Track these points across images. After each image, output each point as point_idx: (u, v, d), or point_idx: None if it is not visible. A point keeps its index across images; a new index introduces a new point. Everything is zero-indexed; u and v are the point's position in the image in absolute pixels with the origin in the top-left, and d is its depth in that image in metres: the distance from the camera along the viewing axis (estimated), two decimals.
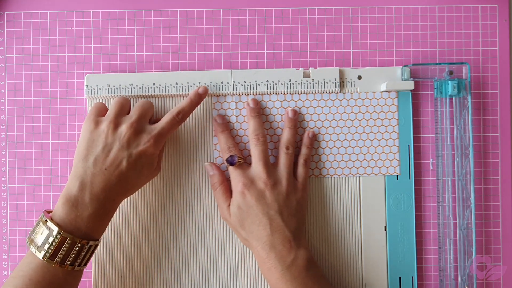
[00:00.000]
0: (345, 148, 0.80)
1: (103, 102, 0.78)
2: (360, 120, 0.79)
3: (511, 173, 0.81)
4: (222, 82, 0.78)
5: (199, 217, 0.80)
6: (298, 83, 0.78)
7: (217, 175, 0.78)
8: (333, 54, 0.81)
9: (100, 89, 0.78)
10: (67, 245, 0.67)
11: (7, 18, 0.81)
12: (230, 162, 0.75)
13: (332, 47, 0.81)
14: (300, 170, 0.78)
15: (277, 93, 0.79)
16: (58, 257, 0.67)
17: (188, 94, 0.78)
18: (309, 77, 0.79)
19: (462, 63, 0.78)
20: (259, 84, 0.78)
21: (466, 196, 0.78)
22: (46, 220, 0.68)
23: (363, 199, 0.79)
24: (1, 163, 0.81)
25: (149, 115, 0.75)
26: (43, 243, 0.67)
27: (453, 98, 0.79)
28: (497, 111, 0.81)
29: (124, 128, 0.71)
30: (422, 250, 0.81)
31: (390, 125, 0.79)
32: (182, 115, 0.76)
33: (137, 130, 0.72)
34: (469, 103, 0.78)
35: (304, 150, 0.79)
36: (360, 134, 0.79)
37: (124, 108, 0.74)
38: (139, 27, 0.81)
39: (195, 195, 0.80)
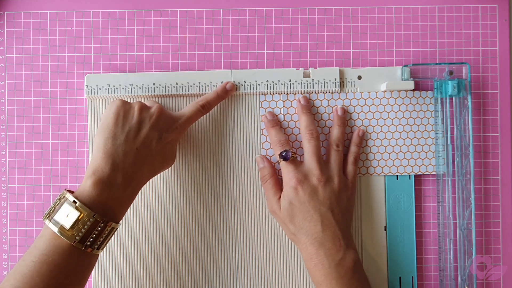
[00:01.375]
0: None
1: (103, 102, 0.78)
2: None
3: (511, 173, 0.81)
4: (222, 82, 0.78)
5: (185, 220, 0.80)
6: (298, 83, 0.79)
7: (267, 167, 0.79)
8: (333, 54, 0.81)
9: (100, 89, 0.78)
10: (99, 228, 0.65)
11: (7, 18, 0.81)
12: (284, 157, 0.75)
13: (332, 47, 0.81)
14: (350, 168, 0.78)
15: (278, 93, 0.79)
16: (89, 241, 0.65)
17: (188, 94, 0.78)
18: (309, 77, 0.79)
19: (462, 63, 0.78)
20: (259, 84, 0.78)
21: (466, 196, 0.78)
22: (74, 201, 0.64)
23: (363, 199, 0.79)
24: (1, 163, 0.81)
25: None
26: (72, 226, 0.64)
27: (453, 98, 0.79)
28: (497, 111, 0.81)
29: (154, 109, 0.72)
30: (422, 250, 0.81)
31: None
32: (208, 108, 0.77)
33: (165, 114, 0.73)
34: (469, 103, 0.78)
35: (353, 148, 0.79)
36: (399, 131, 0.79)
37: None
38: (139, 27, 0.81)
39: (181, 197, 0.80)
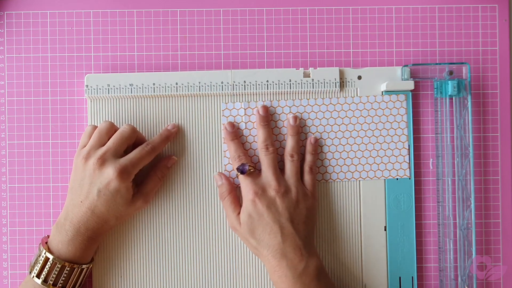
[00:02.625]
0: (347, 152, 0.80)
1: (103, 102, 0.78)
2: (362, 121, 0.79)
3: (511, 173, 0.81)
4: (222, 82, 0.78)
5: (205, 224, 0.80)
6: (298, 83, 0.78)
7: (225, 184, 0.79)
8: (333, 54, 0.81)
9: (100, 89, 0.78)
10: (49, 265, 0.72)
11: (7, 18, 0.81)
12: (241, 170, 0.75)
13: (332, 47, 0.81)
14: (307, 177, 0.78)
15: (278, 93, 0.79)
16: (43, 275, 0.73)
17: (188, 94, 0.78)
18: (309, 77, 0.79)
19: (462, 63, 0.78)
20: (259, 84, 0.78)
21: (466, 196, 0.78)
22: (40, 243, 0.75)
23: (363, 199, 0.79)
24: (1, 163, 0.81)
25: (126, 143, 0.76)
26: (35, 263, 0.73)
27: (453, 98, 0.79)
28: (497, 111, 0.81)
29: (91, 163, 0.73)
30: (422, 250, 0.81)
31: (392, 128, 0.79)
32: (151, 146, 0.76)
33: (104, 163, 0.73)
34: (469, 103, 0.78)
35: (308, 157, 0.79)
36: (361, 137, 0.79)
37: (101, 138, 0.75)
38: (139, 27, 0.81)
39: (202, 203, 0.80)
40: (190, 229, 0.80)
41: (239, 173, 0.76)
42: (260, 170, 0.78)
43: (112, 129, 0.76)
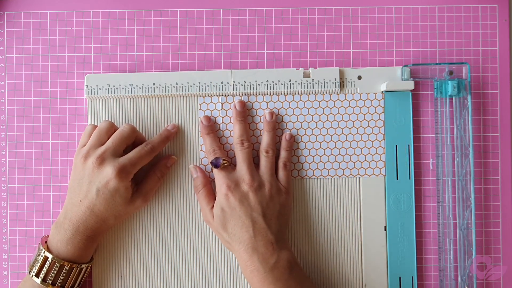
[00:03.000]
0: (346, 149, 0.80)
1: (103, 102, 0.78)
2: (339, 119, 0.79)
3: (511, 173, 0.81)
4: (222, 82, 0.78)
5: (204, 223, 0.80)
6: (298, 83, 0.78)
7: (200, 177, 0.79)
8: (333, 54, 0.81)
9: (100, 89, 0.78)
10: (48, 264, 0.72)
11: (7, 18, 0.81)
12: (215, 164, 0.76)
13: (332, 47, 0.81)
14: (281, 173, 0.79)
15: (278, 93, 0.79)
16: (42, 275, 0.72)
17: (188, 94, 0.78)
18: (309, 77, 0.79)
19: (462, 63, 0.78)
20: (259, 84, 0.78)
21: (466, 196, 0.78)
22: (40, 242, 0.75)
23: (363, 199, 0.79)
24: (1, 163, 0.81)
25: (126, 143, 0.76)
26: (34, 262, 0.73)
27: (453, 98, 0.79)
28: (497, 111, 0.81)
29: (90, 162, 0.73)
30: (422, 250, 0.81)
31: (369, 126, 0.80)
32: (151, 146, 0.76)
33: (103, 162, 0.73)
34: (469, 103, 0.78)
35: (283, 153, 0.79)
36: (361, 135, 0.79)
37: (101, 138, 0.75)
38: (139, 27, 0.81)
39: (181, 197, 0.80)
40: (190, 228, 0.80)
41: (212, 167, 0.76)
42: (235, 165, 0.78)
43: (112, 128, 0.76)
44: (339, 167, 0.80)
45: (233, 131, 0.80)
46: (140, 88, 0.78)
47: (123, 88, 0.78)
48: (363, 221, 0.79)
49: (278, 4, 0.81)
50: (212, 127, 0.79)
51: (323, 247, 0.80)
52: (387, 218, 0.79)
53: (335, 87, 0.79)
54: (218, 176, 0.76)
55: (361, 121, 0.79)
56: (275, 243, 0.73)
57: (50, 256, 0.72)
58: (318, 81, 0.78)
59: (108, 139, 0.75)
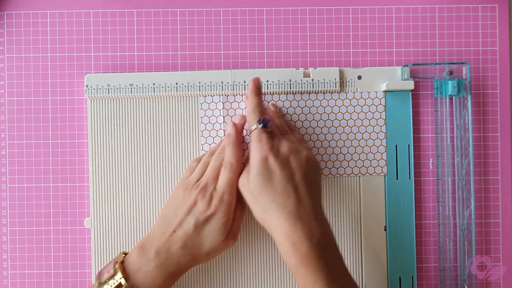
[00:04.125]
0: (347, 147, 0.80)
1: (103, 102, 0.79)
2: (362, 120, 0.79)
3: (511, 173, 0.81)
4: (222, 82, 0.78)
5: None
6: (298, 83, 0.78)
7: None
8: (333, 54, 0.81)
9: (100, 89, 0.78)
10: None
11: (7, 18, 0.81)
12: (265, 123, 0.70)
13: (332, 47, 0.81)
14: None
15: (278, 93, 0.79)
16: None
17: (188, 94, 0.78)
18: (309, 77, 0.79)
19: (462, 63, 0.78)
20: None
21: (466, 196, 0.78)
22: (116, 261, 0.70)
23: (363, 199, 0.79)
24: (1, 163, 0.81)
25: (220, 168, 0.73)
26: (105, 282, 0.68)
27: (453, 98, 0.79)
28: (497, 111, 0.81)
29: (194, 193, 0.70)
30: (422, 250, 0.81)
31: (370, 125, 0.80)
32: (229, 164, 0.72)
33: (205, 194, 0.70)
34: (469, 103, 0.78)
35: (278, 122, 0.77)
36: (362, 133, 0.79)
37: (199, 171, 0.74)
38: (139, 27, 0.81)
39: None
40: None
41: (260, 126, 0.70)
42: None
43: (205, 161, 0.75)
44: (341, 166, 0.80)
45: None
46: (140, 88, 0.78)
47: (123, 88, 0.78)
48: (363, 221, 0.79)
49: (278, 4, 0.81)
50: (260, 90, 0.76)
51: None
52: (387, 218, 0.79)
53: (335, 87, 0.79)
54: (261, 136, 0.69)
55: (362, 120, 0.79)
56: (319, 213, 0.67)
57: (125, 284, 0.67)
58: (318, 81, 0.78)
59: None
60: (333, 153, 0.80)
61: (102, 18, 0.81)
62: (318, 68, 0.79)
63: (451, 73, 0.78)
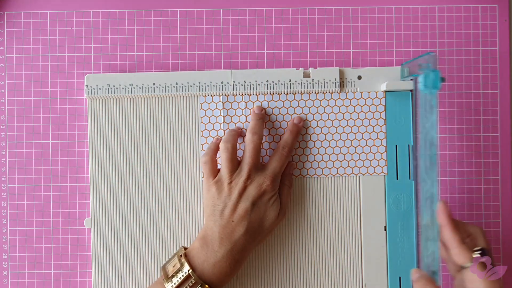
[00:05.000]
0: (347, 147, 0.80)
1: (103, 102, 0.78)
2: (362, 120, 0.79)
3: (511, 173, 0.81)
4: (222, 82, 0.78)
5: (187, 214, 0.80)
6: (298, 83, 0.78)
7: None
8: (333, 54, 0.81)
9: (100, 89, 0.78)
10: (190, 284, 0.69)
11: (7, 18, 0.81)
12: (483, 252, 0.66)
13: (332, 47, 0.81)
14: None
15: (278, 93, 0.79)
16: None
17: (188, 94, 0.78)
18: (309, 77, 0.79)
19: (428, 53, 0.74)
20: (259, 84, 0.78)
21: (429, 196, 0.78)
22: (181, 255, 0.72)
23: (363, 199, 0.79)
24: (1, 163, 0.81)
25: (259, 153, 0.76)
26: (173, 276, 0.70)
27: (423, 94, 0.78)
28: (497, 111, 0.81)
29: (240, 183, 0.73)
30: None
31: (370, 125, 0.80)
32: (288, 148, 0.76)
33: (253, 178, 0.73)
34: (434, 99, 0.77)
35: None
36: (362, 133, 0.79)
37: (233, 162, 0.75)
38: (139, 27, 0.81)
39: (183, 194, 0.80)
40: (178, 223, 0.80)
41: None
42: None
43: (230, 144, 0.76)
44: (341, 166, 0.80)
45: (239, 124, 0.79)
46: (140, 88, 0.78)
47: (123, 88, 0.78)
48: (363, 221, 0.79)
49: (278, 4, 0.81)
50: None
51: (322, 247, 0.80)
52: (387, 218, 0.79)
53: (335, 87, 0.79)
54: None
55: (362, 120, 0.79)
56: None
57: (194, 276, 0.69)
58: (318, 81, 0.78)
59: (234, 156, 0.75)
60: (333, 153, 0.80)
61: (102, 18, 0.81)
62: (318, 68, 0.79)
63: (420, 67, 0.77)
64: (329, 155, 0.80)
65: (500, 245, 0.81)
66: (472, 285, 0.65)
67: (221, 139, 0.77)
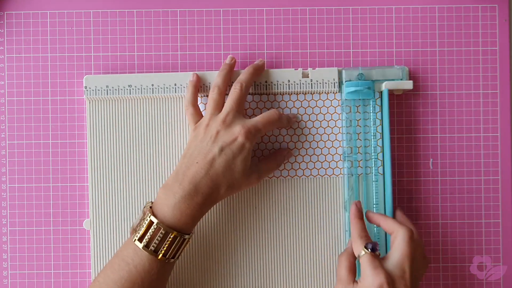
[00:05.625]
0: (345, 148, 0.80)
1: (102, 103, 0.78)
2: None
3: (511, 173, 0.81)
4: None
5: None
6: (297, 84, 0.78)
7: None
8: (333, 54, 0.81)
9: (98, 90, 0.78)
10: (153, 230, 0.69)
11: (7, 18, 0.81)
12: (373, 248, 0.68)
13: (332, 47, 0.81)
14: None
15: (276, 93, 0.79)
16: (145, 241, 0.69)
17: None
18: (308, 77, 0.79)
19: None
20: (257, 85, 0.78)
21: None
22: (145, 206, 0.73)
23: (361, 198, 0.79)
24: (1, 163, 0.81)
25: (243, 101, 0.75)
26: (137, 227, 0.71)
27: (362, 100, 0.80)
28: (497, 111, 0.81)
29: (214, 126, 0.72)
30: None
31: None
32: (279, 112, 0.76)
33: (230, 123, 0.73)
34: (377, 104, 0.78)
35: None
36: (358, 134, 0.79)
37: (216, 103, 0.75)
38: (139, 27, 0.81)
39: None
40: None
41: (368, 251, 0.68)
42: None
43: (223, 93, 0.76)
44: (336, 166, 0.80)
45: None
46: (139, 89, 0.78)
47: (121, 89, 0.78)
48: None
49: (278, 4, 0.81)
50: (361, 212, 0.76)
51: (321, 245, 0.80)
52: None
53: (334, 87, 0.78)
54: (375, 264, 0.67)
55: (358, 121, 0.79)
56: None
57: (155, 221, 0.69)
58: (317, 81, 0.78)
59: (220, 98, 0.75)
60: (333, 153, 0.80)
61: (102, 18, 0.81)
62: (317, 68, 0.79)
63: (361, 76, 0.78)
64: (328, 155, 0.80)
65: (500, 245, 0.81)
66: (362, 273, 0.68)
67: (197, 78, 0.78)
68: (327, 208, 0.80)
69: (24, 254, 0.81)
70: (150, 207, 0.71)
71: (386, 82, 0.78)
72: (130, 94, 0.78)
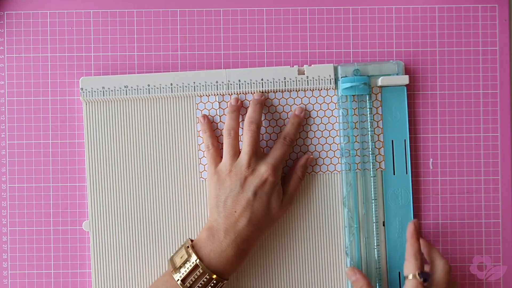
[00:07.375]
0: (344, 144, 0.79)
1: (99, 104, 0.79)
2: (358, 116, 0.79)
3: (511, 173, 0.81)
4: (217, 82, 0.78)
5: (184, 215, 0.81)
6: (293, 81, 0.78)
7: (360, 279, 0.76)
8: (333, 55, 0.81)
9: (95, 91, 0.78)
10: (198, 274, 0.71)
11: (7, 18, 0.81)
12: (425, 277, 0.71)
13: (332, 47, 0.81)
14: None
15: (272, 91, 0.79)
16: (188, 283, 0.71)
17: (183, 95, 0.79)
18: (304, 74, 0.79)
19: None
20: (253, 83, 0.78)
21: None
22: (188, 246, 0.73)
23: (360, 194, 0.79)
24: (1, 163, 0.81)
25: (258, 141, 0.77)
26: (180, 266, 0.72)
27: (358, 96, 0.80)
28: (497, 111, 0.81)
29: (240, 172, 0.74)
30: None
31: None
32: (289, 139, 0.77)
33: (254, 167, 0.74)
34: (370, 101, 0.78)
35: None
36: (358, 129, 0.79)
37: (235, 148, 0.76)
38: (139, 27, 0.81)
39: (180, 195, 0.81)
40: (173, 221, 0.80)
41: (419, 279, 0.71)
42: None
43: (232, 130, 0.77)
44: (338, 162, 0.80)
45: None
46: (135, 89, 0.78)
47: (118, 90, 0.78)
48: (361, 216, 0.79)
49: (278, 4, 0.82)
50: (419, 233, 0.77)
51: (321, 244, 0.80)
52: (385, 213, 0.79)
53: (330, 84, 0.78)
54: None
55: (358, 116, 0.79)
56: None
57: (201, 265, 0.71)
58: (313, 78, 0.78)
59: (236, 142, 0.77)
60: (331, 149, 0.80)
61: (102, 18, 0.81)
62: (312, 65, 0.79)
63: (357, 72, 0.79)
64: (327, 151, 0.80)
65: (500, 245, 0.81)
66: None
67: (207, 119, 0.79)
68: (326, 204, 0.80)
69: (24, 254, 0.81)
70: (193, 246, 0.73)
71: (382, 77, 0.78)
72: (126, 95, 0.78)
